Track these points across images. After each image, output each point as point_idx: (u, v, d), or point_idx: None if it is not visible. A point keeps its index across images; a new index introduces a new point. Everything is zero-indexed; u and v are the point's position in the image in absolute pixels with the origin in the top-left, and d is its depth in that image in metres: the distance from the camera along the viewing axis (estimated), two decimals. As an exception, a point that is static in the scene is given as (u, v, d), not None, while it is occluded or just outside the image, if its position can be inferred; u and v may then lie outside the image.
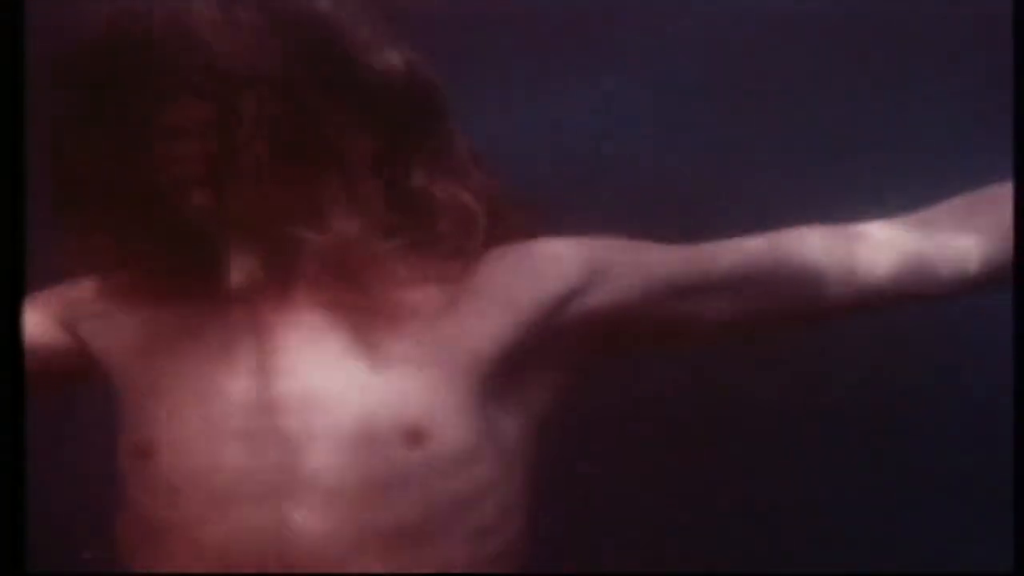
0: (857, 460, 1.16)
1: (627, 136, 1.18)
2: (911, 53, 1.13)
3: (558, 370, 0.89)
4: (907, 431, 1.16)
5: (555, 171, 1.16)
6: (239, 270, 0.81)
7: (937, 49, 1.13)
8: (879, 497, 1.16)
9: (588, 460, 1.13)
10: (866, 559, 1.15)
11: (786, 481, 1.17)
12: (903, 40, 1.14)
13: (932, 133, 1.08)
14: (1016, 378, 0.87)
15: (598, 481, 1.15)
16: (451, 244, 0.86)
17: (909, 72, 1.14)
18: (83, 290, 0.88)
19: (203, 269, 0.82)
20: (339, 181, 0.82)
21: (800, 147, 1.14)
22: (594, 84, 1.19)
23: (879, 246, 0.88)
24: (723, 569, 1.13)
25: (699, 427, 1.16)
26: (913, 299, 0.89)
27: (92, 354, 0.88)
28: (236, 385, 0.82)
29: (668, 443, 1.16)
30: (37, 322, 0.87)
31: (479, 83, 1.13)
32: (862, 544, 1.16)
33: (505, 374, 0.85)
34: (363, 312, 0.83)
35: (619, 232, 0.90)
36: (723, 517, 1.17)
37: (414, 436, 0.81)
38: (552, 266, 0.87)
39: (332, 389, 0.81)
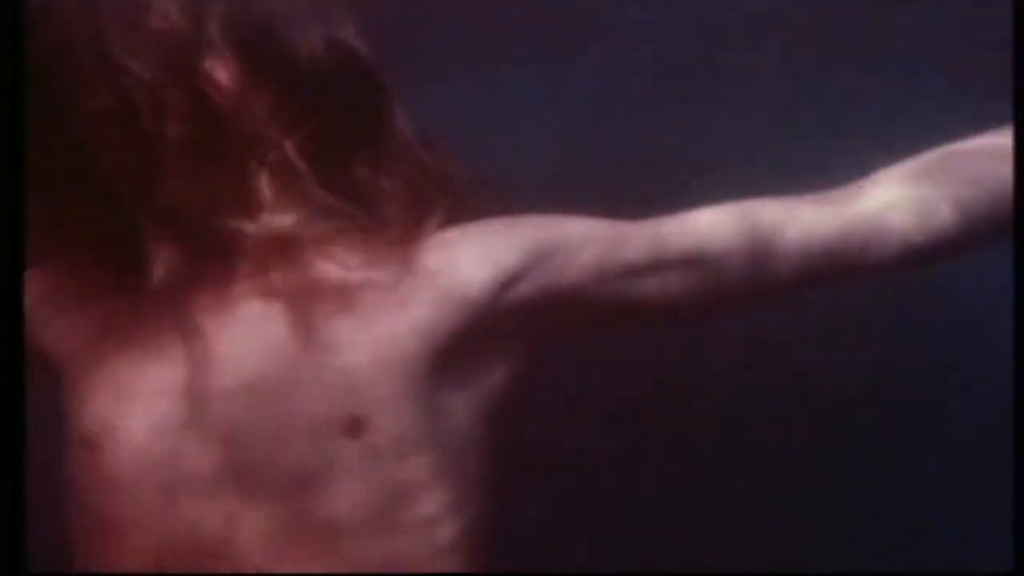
0: (853, 457, 1.16)
1: (591, 121, 1.18)
2: (906, 46, 1.14)
3: (511, 353, 0.88)
4: (905, 427, 1.16)
5: (521, 156, 1.16)
6: (163, 262, 0.80)
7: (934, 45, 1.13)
8: (877, 495, 1.16)
9: (552, 442, 1.12)
10: (866, 558, 1.15)
11: (777, 478, 1.17)
12: (898, 32, 1.15)
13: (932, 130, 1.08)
14: (1016, 377, 0.87)
15: (561, 468, 1.15)
16: (397, 228, 0.85)
17: (905, 68, 1.14)
18: (30, 284, 0.88)
19: (138, 261, 0.81)
20: (269, 171, 0.81)
21: (777, 135, 1.15)
22: (562, 69, 1.19)
23: (829, 215, 0.86)
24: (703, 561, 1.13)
25: (680, 413, 1.16)
26: (872, 267, 0.87)
27: (42, 349, 0.87)
28: (175, 376, 0.81)
29: (657, 429, 1.17)
30: None
31: (449, 68, 1.14)
32: (861, 543, 1.16)
33: (453, 359, 0.84)
34: (303, 299, 0.82)
35: (578, 212, 0.89)
36: (702, 509, 1.17)
37: (355, 425, 0.80)
38: (499, 247, 0.86)
39: (270, 378, 0.81)
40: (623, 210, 0.89)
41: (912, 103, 1.10)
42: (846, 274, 0.88)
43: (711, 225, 0.87)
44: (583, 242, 0.87)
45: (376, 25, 0.89)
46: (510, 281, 0.85)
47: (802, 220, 0.86)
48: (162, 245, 0.81)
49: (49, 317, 0.86)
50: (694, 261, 0.86)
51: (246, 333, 0.82)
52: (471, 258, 0.85)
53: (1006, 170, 0.85)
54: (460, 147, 0.94)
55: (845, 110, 1.15)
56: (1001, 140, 0.87)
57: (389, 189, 0.86)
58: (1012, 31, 0.79)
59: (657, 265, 0.86)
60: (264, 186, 0.81)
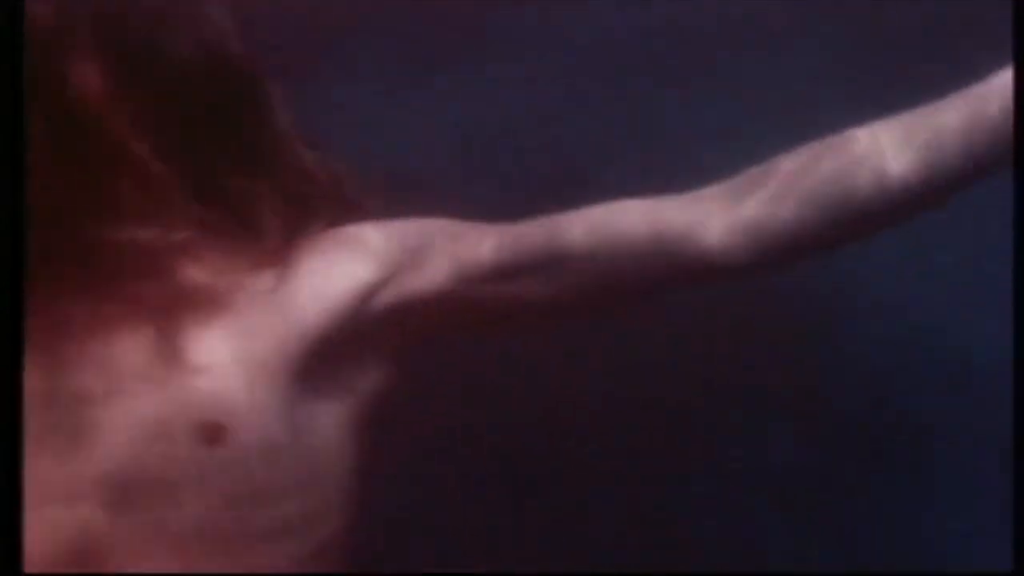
0: (857, 457, 1.17)
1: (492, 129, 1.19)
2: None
3: (381, 358, 0.88)
4: (907, 428, 1.16)
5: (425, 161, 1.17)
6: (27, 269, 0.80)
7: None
8: (878, 496, 1.16)
9: (422, 451, 1.13)
10: (865, 558, 1.15)
11: (775, 479, 1.17)
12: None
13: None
14: (1016, 378, 0.87)
15: (429, 473, 1.15)
16: (272, 233, 0.85)
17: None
18: None
19: None
20: (136, 178, 0.80)
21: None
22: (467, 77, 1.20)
23: (702, 216, 0.84)
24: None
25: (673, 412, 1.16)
26: (738, 271, 0.85)
27: None
28: (37, 383, 0.80)
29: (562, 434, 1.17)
30: None
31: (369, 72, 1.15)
32: (861, 544, 1.16)
33: (320, 365, 0.84)
34: (169, 306, 0.82)
35: (456, 215, 0.89)
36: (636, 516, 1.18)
37: (213, 433, 0.79)
38: (366, 251, 0.85)
39: (132, 385, 0.80)
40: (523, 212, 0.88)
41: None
42: (705, 276, 0.86)
43: (580, 226, 0.86)
44: (454, 246, 0.86)
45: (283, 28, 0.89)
46: (380, 285, 0.85)
47: (668, 219, 0.84)
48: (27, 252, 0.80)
49: None
50: (562, 263, 0.85)
51: (110, 339, 0.81)
52: (339, 264, 0.85)
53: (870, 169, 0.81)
54: (369, 151, 0.94)
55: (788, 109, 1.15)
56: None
57: (265, 194, 0.86)
58: (1012, 31, 0.79)
59: (528, 267, 0.86)
60: (130, 193, 0.80)
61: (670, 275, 0.85)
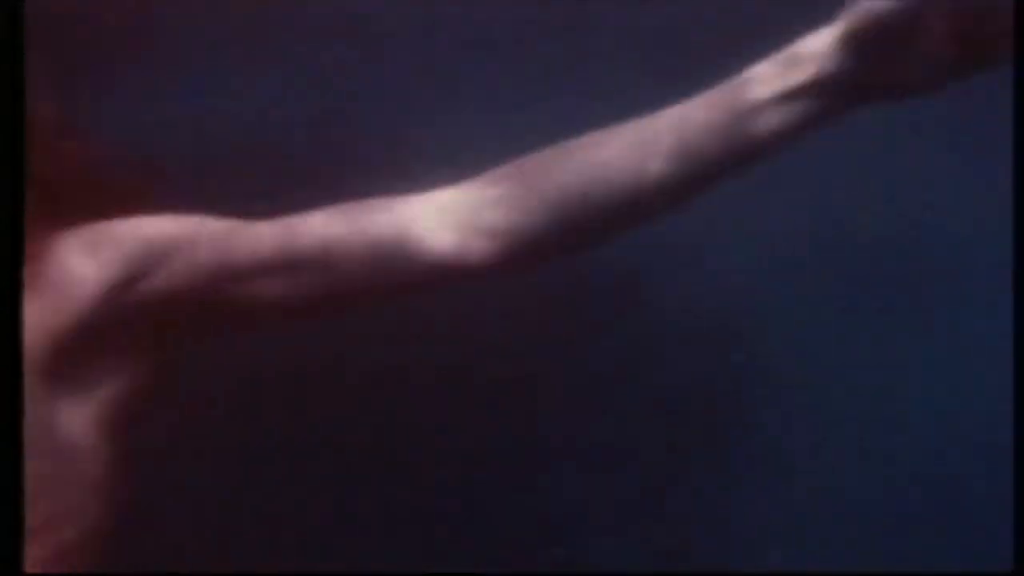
0: (855, 457, 1.17)
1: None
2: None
3: (130, 359, 0.86)
4: (907, 430, 1.16)
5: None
6: None
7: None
8: (880, 496, 1.16)
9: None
10: (865, 559, 1.15)
11: (778, 475, 1.17)
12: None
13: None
14: (1016, 378, 0.87)
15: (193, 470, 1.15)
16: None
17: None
18: None
19: None
20: None
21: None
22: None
23: (442, 217, 0.83)
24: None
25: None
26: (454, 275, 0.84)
27: None
28: None
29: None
30: None
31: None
32: (860, 544, 1.16)
33: (65, 365, 0.82)
34: None
35: (211, 212, 0.88)
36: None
37: None
38: (115, 249, 0.84)
39: None
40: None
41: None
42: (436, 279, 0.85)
43: (323, 226, 0.85)
44: (204, 245, 0.85)
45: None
46: (128, 282, 0.84)
47: (407, 219, 0.84)
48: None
49: None
50: (305, 263, 0.84)
51: None
52: (87, 261, 0.83)
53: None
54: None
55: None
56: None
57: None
58: (1013, 32, 0.79)
59: (272, 267, 0.84)
60: None
61: (409, 277, 0.84)
